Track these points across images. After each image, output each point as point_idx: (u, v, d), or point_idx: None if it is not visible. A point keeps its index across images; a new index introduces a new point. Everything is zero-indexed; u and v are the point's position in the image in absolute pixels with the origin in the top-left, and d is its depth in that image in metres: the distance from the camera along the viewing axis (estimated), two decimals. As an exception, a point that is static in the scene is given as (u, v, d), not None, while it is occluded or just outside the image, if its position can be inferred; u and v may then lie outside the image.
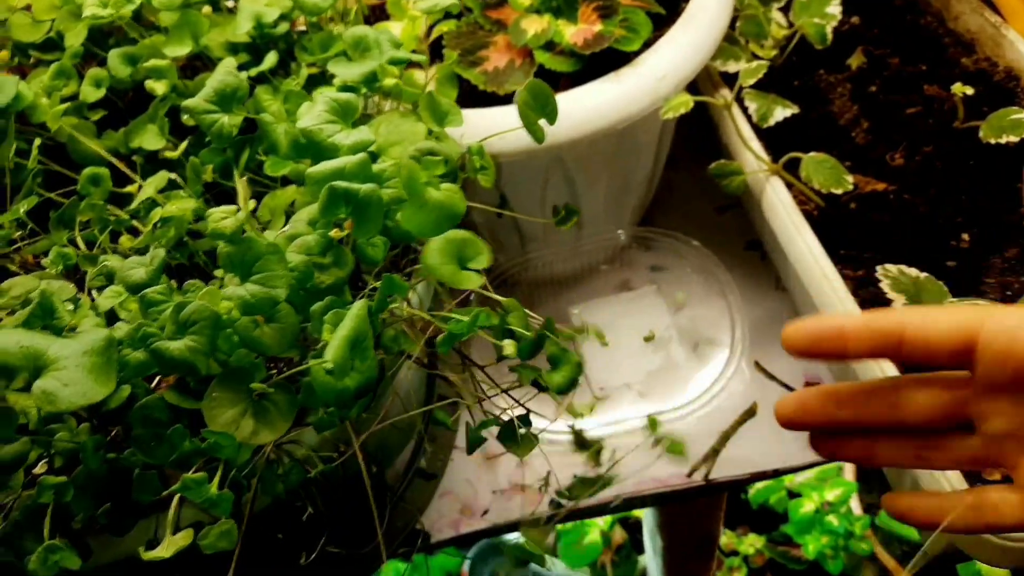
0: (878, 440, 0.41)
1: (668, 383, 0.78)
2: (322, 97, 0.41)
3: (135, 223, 0.54)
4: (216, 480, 0.33)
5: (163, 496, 0.35)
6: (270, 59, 0.51)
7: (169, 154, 0.48)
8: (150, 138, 0.54)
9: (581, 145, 0.67)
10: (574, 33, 0.65)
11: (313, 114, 0.40)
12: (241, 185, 0.50)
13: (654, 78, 0.65)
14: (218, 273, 0.44)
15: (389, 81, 0.46)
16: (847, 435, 0.43)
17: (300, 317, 0.38)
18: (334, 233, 0.39)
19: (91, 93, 0.53)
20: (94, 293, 0.48)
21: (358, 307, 0.35)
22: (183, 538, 0.32)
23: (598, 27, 0.65)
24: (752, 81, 0.66)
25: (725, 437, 0.81)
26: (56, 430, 0.36)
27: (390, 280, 0.38)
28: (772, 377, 0.77)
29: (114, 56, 0.53)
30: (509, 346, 0.41)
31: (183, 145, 0.49)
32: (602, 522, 1.23)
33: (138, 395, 0.36)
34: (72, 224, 0.55)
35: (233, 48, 0.56)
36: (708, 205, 0.92)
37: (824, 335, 0.39)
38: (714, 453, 0.81)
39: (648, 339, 0.79)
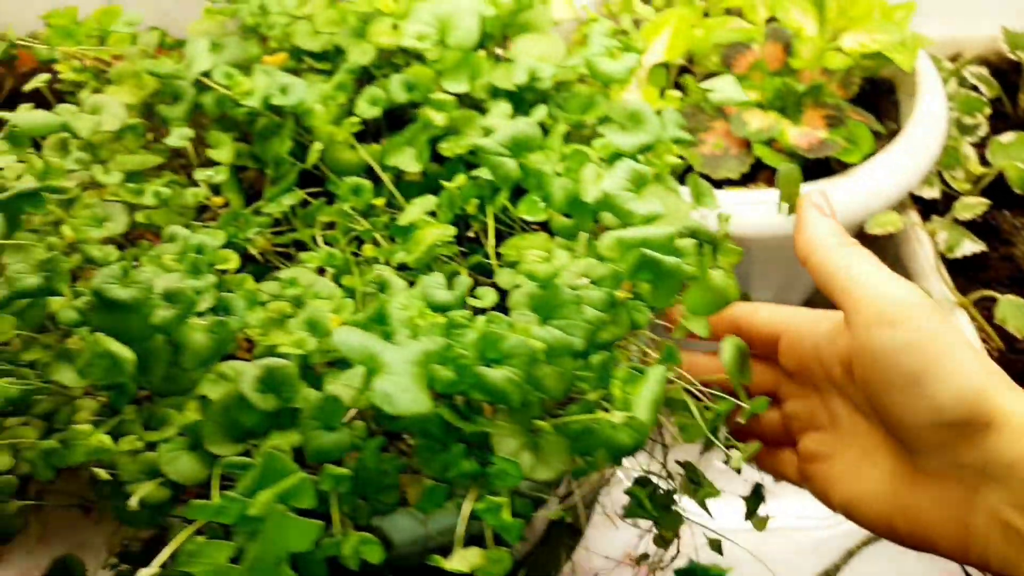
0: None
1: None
2: (623, 165, 0.44)
3: (376, 235, 0.57)
4: (508, 506, 0.35)
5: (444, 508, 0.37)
6: (540, 113, 0.54)
7: (451, 184, 0.51)
8: (406, 160, 0.57)
9: (775, 241, 0.69)
10: (798, 135, 0.67)
11: (615, 180, 0.43)
12: (491, 223, 0.53)
13: (867, 192, 0.67)
14: (474, 302, 0.46)
15: (670, 158, 0.49)
16: None
17: (576, 365, 0.40)
18: (619, 293, 0.41)
19: (367, 110, 0.57)
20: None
21: (660, 372, 0.37)
22: (477, 556, 0.34)
23: (823, 134, 0.67)
24: (969, 216, 0.67)
25: (848, 555, 0.80)
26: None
27: (671, 350, 0.40)
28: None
29: (396, 80, 0.57)
30: (736, 459, 0.43)
31: (461, 179, 0.52)
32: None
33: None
34: (313, 223, 0.59)
35: (494, 92, 0.59)
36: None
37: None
38: (835, 569, 0.80)
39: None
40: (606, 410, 0.37)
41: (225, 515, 0.33)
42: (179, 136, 0.55)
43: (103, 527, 0.84)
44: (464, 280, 0.42)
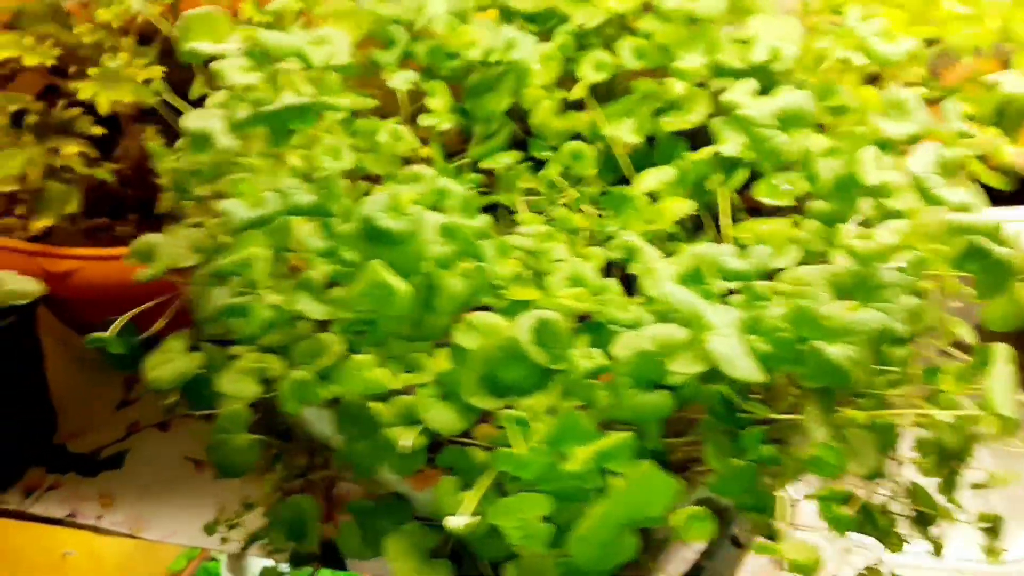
0: None
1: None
2: (929, 148, 0.40)
3: (583, 205, 0.54)
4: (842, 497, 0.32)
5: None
6: (787, 93, 0.51)
7: (694, 156, 0.48)
8: (626, 131, 0.55)
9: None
10: (1016, 154, 0.63)
11: (923, 163, 0.40)
12: (725, 204, 0.50)
13: (1083, 222, 0.63)
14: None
15: (958, 155, 0.45)
16: None
17: (871, 357, 0.36)
18: (923, 285, 0.37)
19: (591, 74, 0.55)
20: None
21: (1007, 368, 0.33)
22: (804, 548, 0.31)
23: (1045, 155, 0.63)
24: None
25: (999, 606, 0.75)
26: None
27: (993, 350, 0.36)
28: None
29: (627, 47, 0.55)
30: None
31: (704, 152, 0.49)
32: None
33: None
34: (513, 187, 0.56)
35: (717, 71, 0.56)
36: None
37: None
38: (985, 619, 0.75)
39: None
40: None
41: (528, 468, 0.30)
42: (403, 80, 0.53)
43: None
44: (760, 250, 0.39)
